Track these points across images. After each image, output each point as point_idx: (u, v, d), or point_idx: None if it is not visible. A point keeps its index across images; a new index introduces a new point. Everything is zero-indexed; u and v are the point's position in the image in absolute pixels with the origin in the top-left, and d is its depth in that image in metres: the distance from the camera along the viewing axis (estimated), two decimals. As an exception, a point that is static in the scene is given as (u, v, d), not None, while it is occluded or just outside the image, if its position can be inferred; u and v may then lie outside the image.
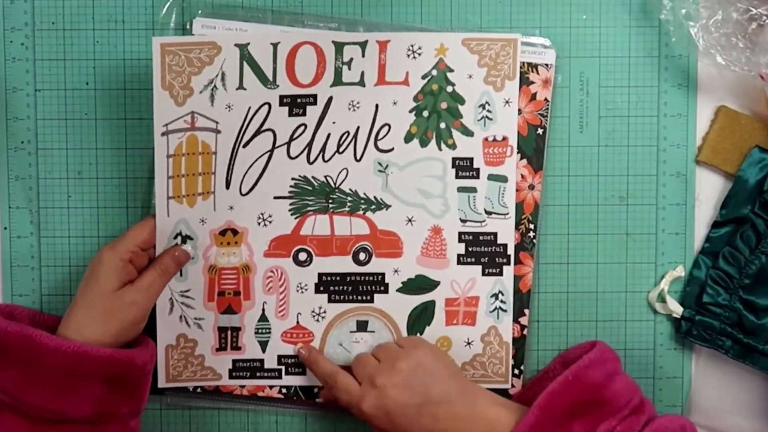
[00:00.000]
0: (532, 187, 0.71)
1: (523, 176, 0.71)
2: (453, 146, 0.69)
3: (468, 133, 0.69)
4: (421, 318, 0.71)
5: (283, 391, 0.72)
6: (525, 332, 0.72)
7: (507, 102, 0.69)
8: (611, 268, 0.73)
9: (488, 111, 0.69)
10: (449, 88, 0.69)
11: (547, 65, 0.70)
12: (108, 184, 0.71)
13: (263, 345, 0.71)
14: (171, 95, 0.66)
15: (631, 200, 0.72)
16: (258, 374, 0.71)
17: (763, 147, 0.71)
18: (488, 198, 0.70)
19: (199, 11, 0.69)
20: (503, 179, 0.70)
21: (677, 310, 0.71)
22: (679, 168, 0.72)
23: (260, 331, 0.71)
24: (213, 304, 0.70)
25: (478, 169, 0.70)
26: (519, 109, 0.70)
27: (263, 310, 0.71)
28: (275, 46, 0.67)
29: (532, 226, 0.71)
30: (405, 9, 0.71)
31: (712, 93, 0.72)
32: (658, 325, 0.73)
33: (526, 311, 0.72)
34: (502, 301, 0.71)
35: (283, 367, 0.71)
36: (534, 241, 0.71)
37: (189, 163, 0.67)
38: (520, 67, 0.70)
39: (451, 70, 0.68)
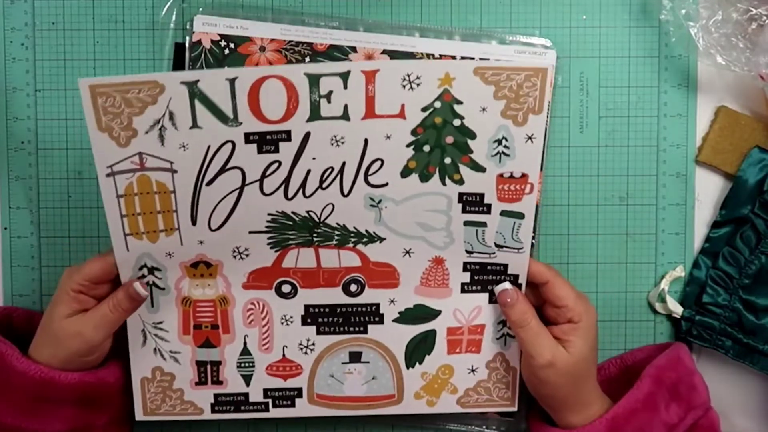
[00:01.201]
0: (532, 187, 0.70)
1: (523, 176, 0.71)
2: (460, 181, 0.60)
3: (479, 168, 0.60)
4: (420, 347, 0.66)
5: None
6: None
7: (530, 138, 0.59)
8: (611, 268, 0.73)
9: (505, 147, 0.59)
10: (456, 122, 0.58)
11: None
12: (108, 184, 0.71)
13: (247, 379, 0.66)
14: (111, 137, 0.57)
15: (631, 200, 0.72)
16: (243, 408, 0.67)
17: (763, 147, 0.71)
18: (500, 233, 0.62)
19: (200, 9, 0.69)
20: (519, 216, 0.62)
21: (677, 310, 0.71)
22: (679, 168, 0.72)
23: (243, 365, 0.66)
24: (189, 337, 0.65)
25: (489, 205, 0.61)
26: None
27: (245, 343, 0.65)
28: (232, 81, 0.56)
29: (532, 227, 0.71)
30: (405, 9, 0.71)
31: (712, 93, 0.72)
32: (658, 325, 0.73)
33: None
34: (510, 327, 0.65)
35: (270, 400, 0.67)
36: (533, 241, 0.71)
37: (144, 201, 0.59)
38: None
39: (459, 102, 0.58)
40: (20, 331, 0.67)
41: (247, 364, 0.66)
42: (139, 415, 0.66)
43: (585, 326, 0.63)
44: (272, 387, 0.66)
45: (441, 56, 0.69)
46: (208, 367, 0.66)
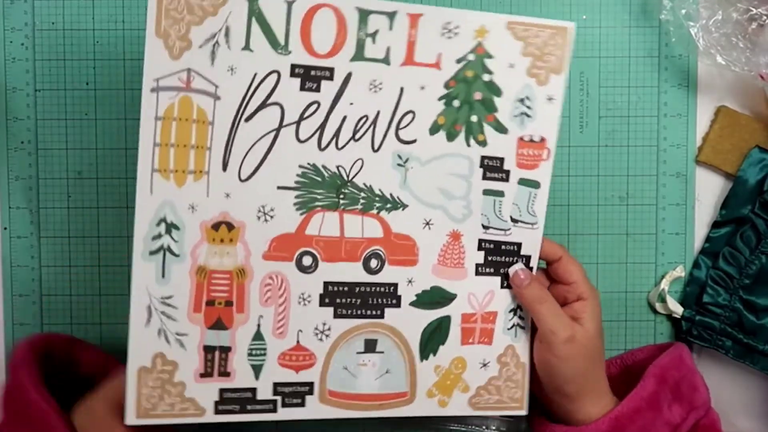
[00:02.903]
0: (532, 187, 0.71)
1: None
2: (483, 143, 0.62)
3: (502, 129, 0.62)
4: (434, 336, 0.64)
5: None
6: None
7: (550, 99, 0.62)
8: (611, 268, 0.73)
9: (527, 107, 0.62)
10: (486, 77, 0.61)
11: (547, 65, 0.70)
12: (108, 184, 0.71)
13: (257, 370, 0.62)
14: (166, 45, 0.58)
15: (631, 200, 0.72)
16: (248, 407, 0.62)
17: (763, 147, 0.71)
18: (516, 204, 0.63)
19: (200, 10, 0.70)
20: (535, 185, 0.63)
21: (677, 310, 0.71)
22: (679, 168, 0.72)
23: (254, 352, 0.62)
24: (200, 315, 0.60)
25: (508, 172, 0.63)
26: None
27: (258, 325, 0.61)
28: (290, 4, 0.58)
29: (532, 226, 0.72)
30: (405, 9, 0.71)
31: (712, 93, 0.72)
32: (658, 325, 0.73)
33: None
34: (520, 317, 0.65)
35: (279, 398, 0.62)
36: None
37: (181, 130, 0.59)
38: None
39: (491, 57, 0.61)
40: (60, 359, 0.65)
41: (258, 352, 0.62)
42: (131, 418, 0.59)
43: (594, 303, 0.63)
44: (283, 381, 0.62)
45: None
46: (217, 354, 0.61)
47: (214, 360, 0.61)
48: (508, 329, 0.65)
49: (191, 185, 0.59)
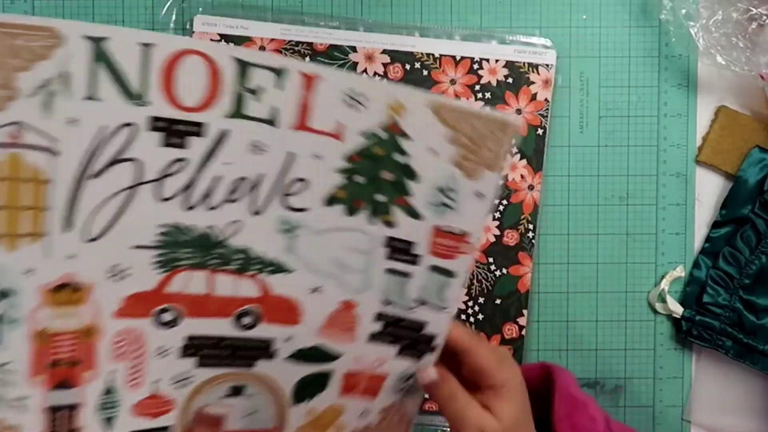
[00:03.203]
0: (531, 187, 0.71)
1: (522, 176, 0.71)
2: (390, 224, 0.51)
3: (414, 215, 0.51)
4: (311, 385, 0.56)
5: None
6: (523, 333, 0.72)
7: (479, 195, 0.51)
8: (611, 268, 0.73)
9: (449, 198, 0.51)
10: (399, 158, 0.50)
11: (547, 65, 0.70)
12: (108, 183, 0.71)
13: (109, 422, 0.54)
14: None
15: (631, 200, 0.72)
16: None
17: (763, 147, 0.71)
18: (425, 287, 0.53)
19: (200, 9, 0.69)
20: (449, 274, 0.53)
21: (677, 310, 0.71)
22: (679, 168, 0.72)
23: (105, 405, 0.53)
24: (42, 378, 0.51)
25: (418, 256, 0.52)
26: (519, 110, 0.70)
27: (110, 380, 0.53)
28: (147, 48, 0.45)
29: (531, 227, 0.71)
30: (405, 9, 0.71)
31: (712, 93, 0.72)
32: (658, 325, 0.73)
33: (525, 312, 0.72)
34: (413, 386, 0.57)
35: None
36: (533, 241, 0.71)
37: (10, 191, 0.47)
38: (520, 68, 0.70)
39: (407, 138, 0.49)
40: None
41: (110, 405, 0.54)
42: None
43: (509, 390, 0.56)
44: (138, 429, 0.54)
45: (441, 56, 0.70)
46: (62, 413, 0.53)
47: (60, 419, 0.53)
48: (399, 390, 0.57)
49: (26, 249, 0.48)
